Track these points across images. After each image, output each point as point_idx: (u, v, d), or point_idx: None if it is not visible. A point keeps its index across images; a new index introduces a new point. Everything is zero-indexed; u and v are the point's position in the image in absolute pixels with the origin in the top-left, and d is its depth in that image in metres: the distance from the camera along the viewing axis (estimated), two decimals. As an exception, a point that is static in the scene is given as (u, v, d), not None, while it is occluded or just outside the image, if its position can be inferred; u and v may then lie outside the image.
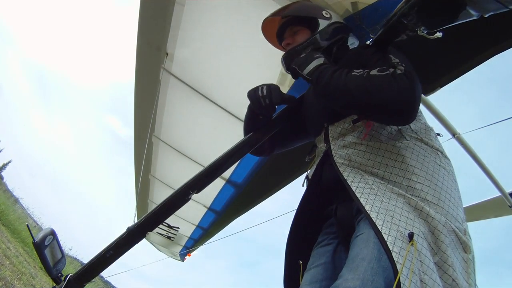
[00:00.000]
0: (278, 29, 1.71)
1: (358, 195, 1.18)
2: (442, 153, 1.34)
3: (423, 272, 0.99)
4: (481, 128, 2.79)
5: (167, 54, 2.59)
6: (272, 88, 1.57)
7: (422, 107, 2.33)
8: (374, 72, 1.20)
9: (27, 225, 1.54)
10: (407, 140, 1.29)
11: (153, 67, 2.73)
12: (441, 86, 2.19)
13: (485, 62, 1.99)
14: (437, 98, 2.36)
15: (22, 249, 9.85)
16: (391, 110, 1.17)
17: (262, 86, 1.59)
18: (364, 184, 1.22)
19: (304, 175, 1.64)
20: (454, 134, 2.72)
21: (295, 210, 1.53)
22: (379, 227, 1.05)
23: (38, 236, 1.36)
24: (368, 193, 1.18)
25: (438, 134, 1.43)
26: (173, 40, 2.49)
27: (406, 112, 1.18)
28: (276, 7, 2.05)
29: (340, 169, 1.30)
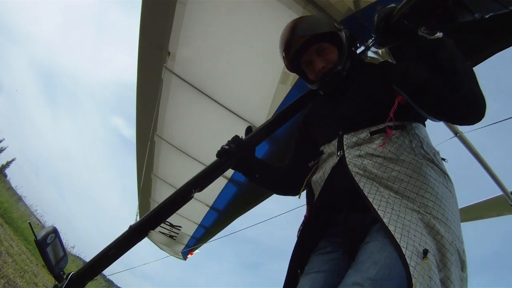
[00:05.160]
0: (299, 47, 1.57)
1: (375, 206, 1.19)
2: (448, 176, 1.36)
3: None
4: (484, 127, 2.78)
5: (169, 53, 2.59)
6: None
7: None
8: None
9: (29, 223, 1.55)
10: (421, 159, 1.31)
11: (155, 66, 2.73)
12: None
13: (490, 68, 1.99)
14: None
15: (25, 247, 9.90)
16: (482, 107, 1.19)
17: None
18: (380, 196, 1.23)
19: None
20: (456, 133, 2.71)
21: (306, 218, 1.53)
22: (398, 240, 1.08)
23: (40, 234, 1.37)
24: (385, 206, 1.20)
25: (443, 159, 1.44)
26: (175, 39, 2.49)
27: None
28: (278, 5, 2.05)
29: (355, 178, 1.30)
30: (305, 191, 1.63)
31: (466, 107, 1.21)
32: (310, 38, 1.55)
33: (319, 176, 1.50)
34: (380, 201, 1.21)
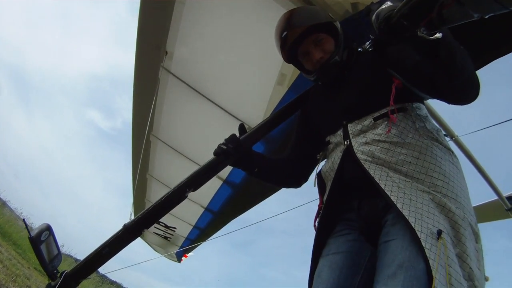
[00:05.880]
0: (296, 39, 1.55)
1: (388, 192, 1.22)
2: (453, 152, 1.39)
3: (448, 265, 1.06)
4: (479, 131, 2.80)
5: (166, 52, 2.59)
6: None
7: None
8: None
9: (24, 219, 1.53)
10: (426, 139, 1.33)
11: (152, 65, 2.72)
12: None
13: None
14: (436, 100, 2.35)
15: (15, 251, 9.73)
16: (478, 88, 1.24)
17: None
18: (391, 182, 1.25)
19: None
20: (452, 136, 2.73)
21: (320, 208, 1.54)
22: (413, 225, 1.11)
23: (34, 231, 1.35)
24: (397, 191, 1.22)
25: (445, 135, 1.49)
26: (173, 39, 2.49)
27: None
28: (276, 6, 2.05)
29: (364, 165, 1.32)
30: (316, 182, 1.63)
31: (464, 92, 1.25)
32: (307, 29, 1.54)
33: (329, 167, 1.51)
34: (392, 186, 1.23)
